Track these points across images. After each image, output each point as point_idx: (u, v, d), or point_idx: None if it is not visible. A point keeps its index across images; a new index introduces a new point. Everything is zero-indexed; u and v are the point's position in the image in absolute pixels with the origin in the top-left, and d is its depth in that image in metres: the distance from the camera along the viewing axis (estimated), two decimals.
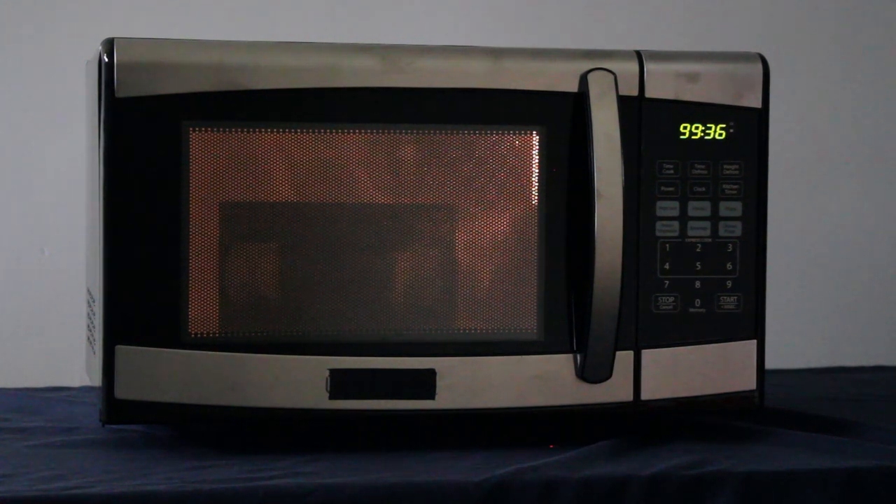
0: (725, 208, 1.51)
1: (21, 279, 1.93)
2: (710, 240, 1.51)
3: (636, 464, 1.40)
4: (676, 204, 1.50)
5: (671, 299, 1.50)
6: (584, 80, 1.48)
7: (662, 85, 1.50)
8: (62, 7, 1.93)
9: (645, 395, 1.50)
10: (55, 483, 1.31)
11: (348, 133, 1.46)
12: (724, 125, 1.51)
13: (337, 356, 1.45)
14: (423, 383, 1.46)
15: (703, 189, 1.51)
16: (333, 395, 1.45)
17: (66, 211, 1.90)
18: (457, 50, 1.50)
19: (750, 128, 1.52)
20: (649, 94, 1.50)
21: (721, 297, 1.51)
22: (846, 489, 1.39)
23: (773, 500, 1.38)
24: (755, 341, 1.52)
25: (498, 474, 1.35)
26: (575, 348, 1.49)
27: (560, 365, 1.49)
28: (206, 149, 1.43)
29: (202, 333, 1.43)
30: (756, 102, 1.52)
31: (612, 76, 1.48)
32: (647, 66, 1.50)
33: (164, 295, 1.42)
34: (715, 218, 1.51)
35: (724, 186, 1.51)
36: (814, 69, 2.10)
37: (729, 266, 1.51)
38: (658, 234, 1.50)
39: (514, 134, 1.49)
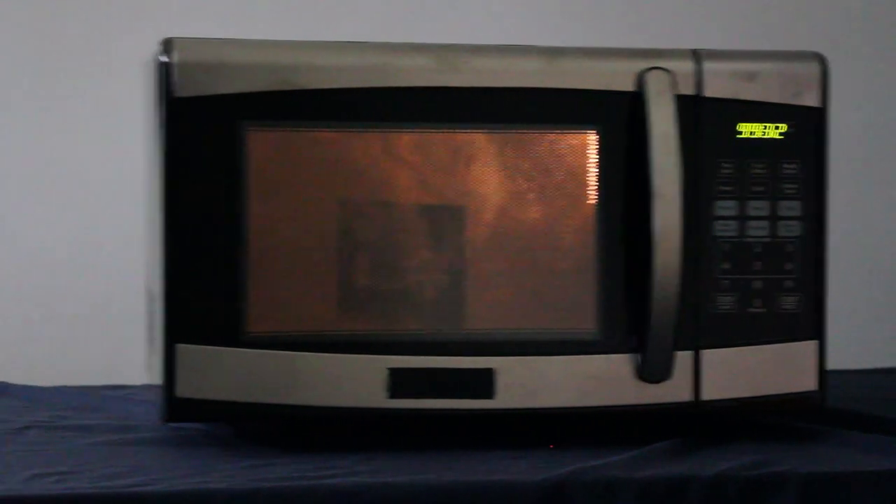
0: (784, 208, 1.50)
1: (81, 277, 1.93)
2: (769, 239, 1.50)
3: (697, 464, 1.39)
4: (735, 203, 1.49)
5: (730, 299, 1.49)
6: (640, 79, 1.48)
7: (720, 84, 1.49)
8: (118, 9, 1.94)
9: (705, 396, 1.49)
10: (115, 481, 1.31)
11: (404, 132, 1.46)
12: (782, 124, 1.50)
13: (396, 355, 1.45)
14: (482, 383, 1.46)
15: (762, 188, 1.50)
16: (392, 395, 1.45)
17: (126, 209, 1.91)
18: (512, 49, 1.49)
19: (809, 127, 1.51)
20: (706, 93, 1.49)
21: (781, 297, 1.50)
22: None
23: (834, 500, 1.37)
24: (816, 342, 1.51)
25: (557, 474, 1.35)
26: (634, 348, 1.48)
27: (619, 365, 1.48)
28: (263, 148, 1.43)
29: (261, 332, 1.44)
30: (815, 101, 1.51)
31: (668, 75, 1.48)
32: (705, 65, 1.49)
33: (223, 294, 1.42)
34: (774, 217, 1.50)
35: (783, 186, 1.50)
36: (875, 67, 2.09)
37: (788, 266, 1.50)
38: (717, 233, 1.49)
39: (572, 133, 1.48)
